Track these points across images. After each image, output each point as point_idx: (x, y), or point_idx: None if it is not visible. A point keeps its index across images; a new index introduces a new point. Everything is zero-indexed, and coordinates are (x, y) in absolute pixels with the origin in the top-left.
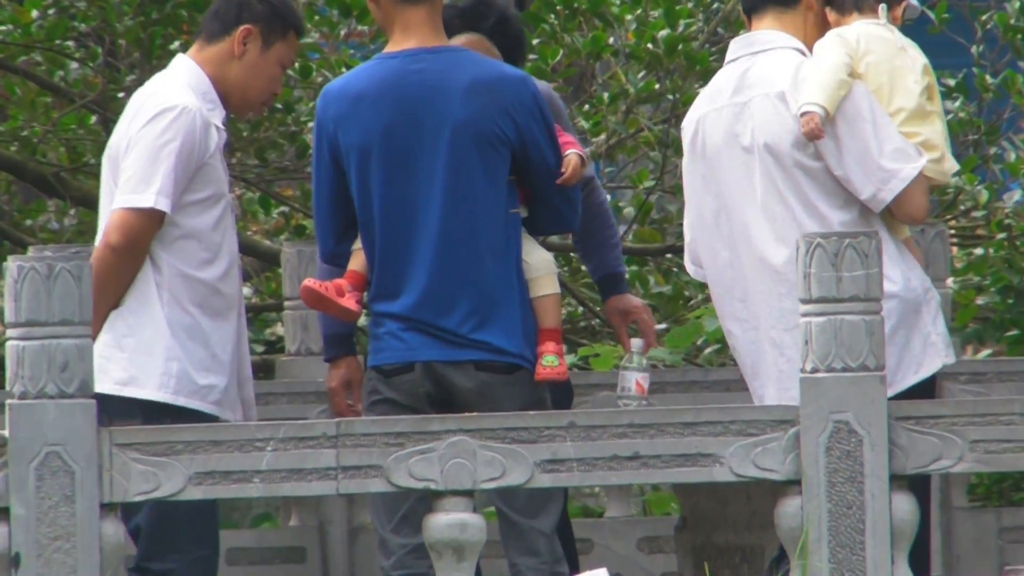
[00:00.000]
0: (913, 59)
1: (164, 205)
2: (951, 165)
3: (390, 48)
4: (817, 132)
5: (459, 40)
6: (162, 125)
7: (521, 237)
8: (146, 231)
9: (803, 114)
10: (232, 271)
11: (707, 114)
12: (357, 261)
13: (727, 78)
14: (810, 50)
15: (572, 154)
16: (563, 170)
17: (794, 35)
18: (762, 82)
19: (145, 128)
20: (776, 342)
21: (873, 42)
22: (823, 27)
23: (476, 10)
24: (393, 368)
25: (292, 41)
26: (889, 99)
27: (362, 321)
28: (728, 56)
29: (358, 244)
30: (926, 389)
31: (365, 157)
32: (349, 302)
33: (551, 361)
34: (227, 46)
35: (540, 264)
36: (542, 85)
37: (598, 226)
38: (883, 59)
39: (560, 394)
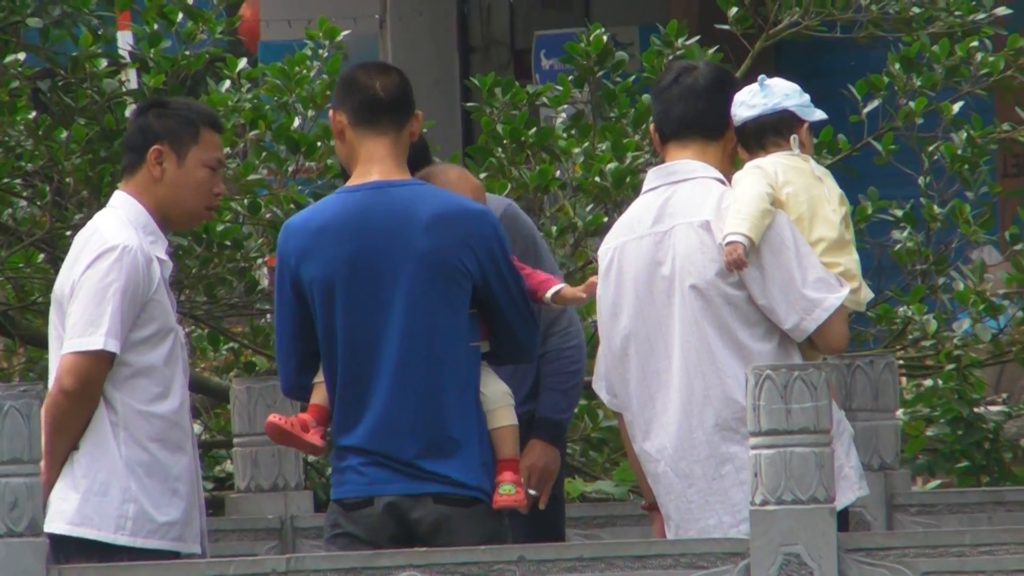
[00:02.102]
0: (830, 188)
1: (113, 346)
2: (866, 294)
3: (353, 181)
4: (741, 263)
5: None
6: (105, 266)
7: (481, 370)
8: (98, 373)
9: (728, 244)
10: (185, 404)
11: (626, 243)
12: (320, 395)
13: (646, 207)
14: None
15: (566, 288)
16: (562, 292)
17: (715, 165)
18: (684, 211)
19: (88, 270)
20: (685, 473)
21: (791, 173)
22: (734, 159)
23: None
24: (354, 502)
25: (209, 138)
26: (809, 229)
27: None
28: (646, 185)
29: (320, 377)
30: (840, 522)
31: (329, 290)
32: (314, 437)
33: (508, 490)
34: (145, 172)
35: (497, 396)
36: (512, 210)
37: (555, 369)
38: (801, 189)
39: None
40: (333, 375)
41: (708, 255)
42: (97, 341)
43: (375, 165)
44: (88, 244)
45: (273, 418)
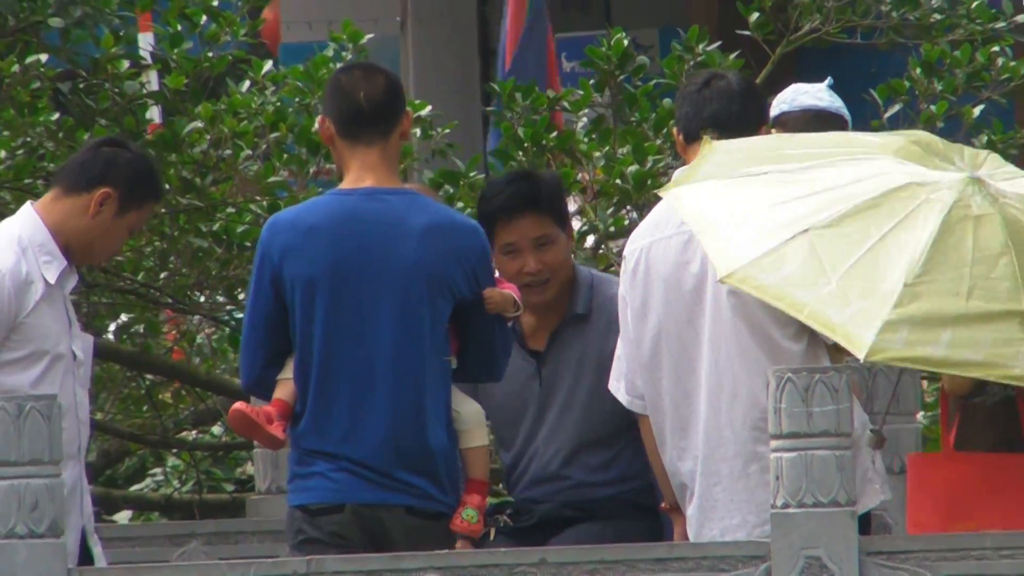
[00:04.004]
0: None
1: None
2: None
3: (346, 185)
4: None
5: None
6: None
7: (451, 385)
8: None
9: None
10: (66, 426)
11: (653, 243)
12: (284, 390)
13: (673, 207)
14: None
15: (509, 294)
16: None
17: None
18: None
19: None
20: (712, 471)
21: None
22: None
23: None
24: (320, 508)
25: (148, 209)
26: None
27: None
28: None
29: (285, 374)
30: (863, 525)
31: (311, 290)
32: (277, 430)
33: (470, 516)
34: (83, 202)
35: (471, 415)
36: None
37: None
38: None
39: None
40: (307, 376)
41: None
42: None
43: (368, 172)
44: None
45: (240, 405)
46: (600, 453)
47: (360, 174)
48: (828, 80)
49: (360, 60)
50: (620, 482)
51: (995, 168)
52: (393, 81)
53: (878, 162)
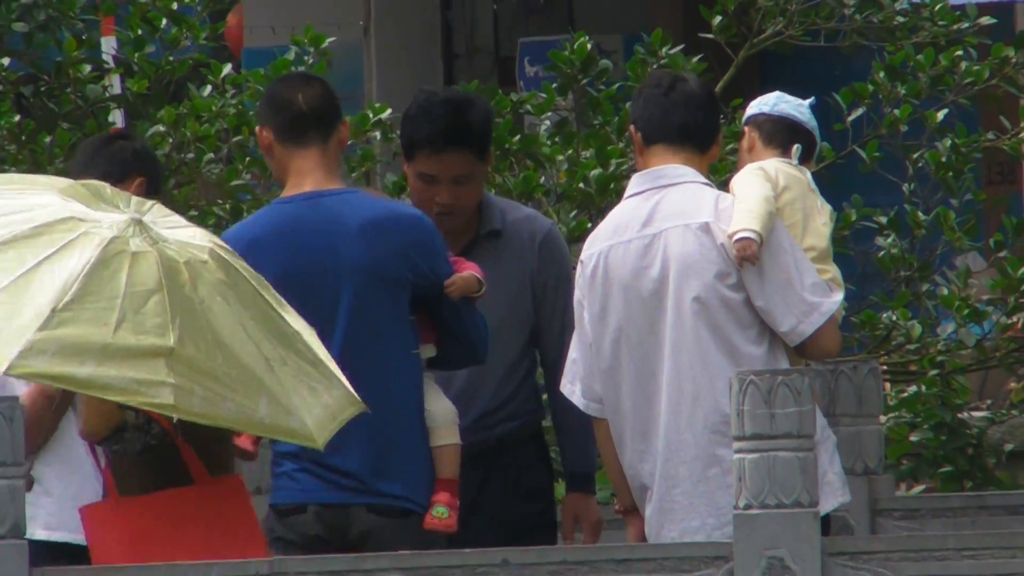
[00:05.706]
0: (822, 203)
1: None
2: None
3: (286, 193)
4: (754, 257)
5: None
6: None
7: (423, 379)
8: None
9: (740, 239)
10: None
11: (612, 247)
12: None
13: (633, 211)
14: None
15: (469, 275)
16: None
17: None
18: (677, 214)
19: None
20: (670, 474)
21: (791, 180)
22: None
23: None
24: (287, 508)
25: (162, 195)
26: (802, 237)
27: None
28: (631, 190)
29: None
30: (823, 528)
31: None
32: (245, 442)
33: (441, 512)
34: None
35: (442, 413)
36: (556, 230)
37: (573, 422)
38: (798, 197)
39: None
40: None
41: (707, 257)
42: None
43: (307, 176)
44: None
45: None
46: (503, 385)
47: (300, 179)
48: (811, 99)
49: (323, 65)
50: (516, 418)
51: (160, 216)
52: (329, 88)
53: (43, 197)
